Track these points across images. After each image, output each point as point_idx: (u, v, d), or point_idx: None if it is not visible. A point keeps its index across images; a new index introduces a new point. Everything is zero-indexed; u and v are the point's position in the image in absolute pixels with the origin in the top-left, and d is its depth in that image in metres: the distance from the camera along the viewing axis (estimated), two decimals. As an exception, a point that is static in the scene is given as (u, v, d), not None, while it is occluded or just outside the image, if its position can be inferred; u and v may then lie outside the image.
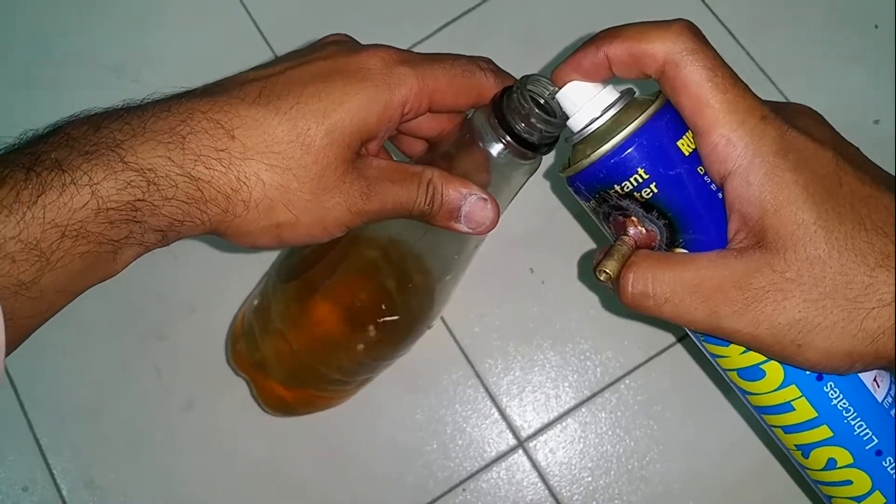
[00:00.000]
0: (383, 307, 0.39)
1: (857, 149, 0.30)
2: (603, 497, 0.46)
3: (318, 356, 0.41)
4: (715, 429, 0.47)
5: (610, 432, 0.47)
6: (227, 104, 0.28)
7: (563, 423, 0.48)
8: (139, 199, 0.27)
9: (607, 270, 0.29)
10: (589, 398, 0.48)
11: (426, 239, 0.37)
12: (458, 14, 0.54)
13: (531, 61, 0.52)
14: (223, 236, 0.30)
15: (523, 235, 0.50)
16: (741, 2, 0.53)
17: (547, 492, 0.47)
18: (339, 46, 0.32)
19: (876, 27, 0.52)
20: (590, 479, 0.47)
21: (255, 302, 0.44)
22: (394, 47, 0.31)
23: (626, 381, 0.48)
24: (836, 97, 0.50)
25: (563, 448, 0.47)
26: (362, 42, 0.33)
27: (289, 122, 0.28)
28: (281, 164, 0.28)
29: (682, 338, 0.48)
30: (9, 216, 0.25)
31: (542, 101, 0.33)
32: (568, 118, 0.31)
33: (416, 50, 0.54)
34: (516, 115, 0.32)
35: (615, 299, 0.31)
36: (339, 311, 0.39)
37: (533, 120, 0.32)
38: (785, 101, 0.30)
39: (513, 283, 0.50)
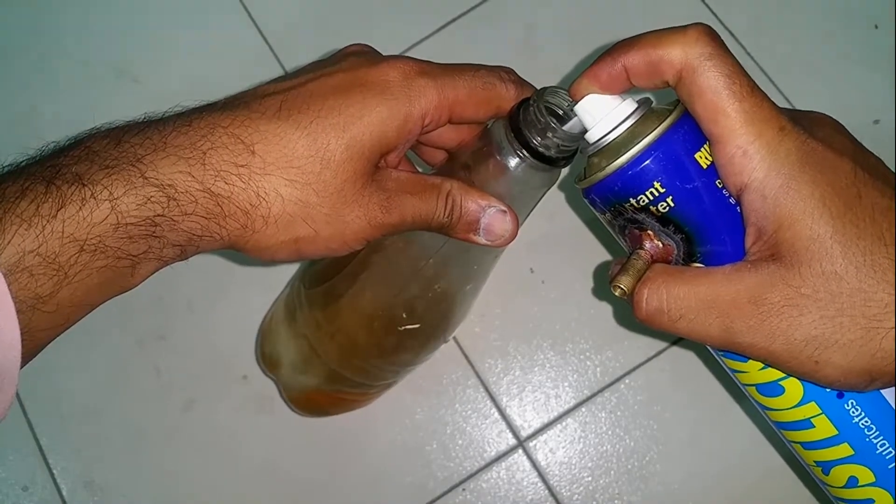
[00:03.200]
0: (404, 316, 0.39)
1: (879, 159, 0.29)
2: (603, 497, 0.46)
3: (341, 362, 0.41)
4: (715, 428, 0.47)
5: (610, 432, 0.47)
6: (247, 119, 0.28)
7: (563, 423, 0.48)
8: (159, 215, 0.27)
9: (622, 286, 0.29)
10: (589, 398, 0.48)
11: (446, 249, 0.37)
12: (458, 14, 0.54)
13: (531, 61, 0.52)
14: (242, 251, 0.29)
15: (523, 235, 0.50)
16: (742, 2, 0.53)
17: (547, 492, 0.47)
18: (359, 58, 0.31)
19: (876, 27, 0.52)
20: (590, 478, 0.47)
21: (282, 306, 0.44)
22: (413, 58, 0.31)
23: (626, 381, 0.48)
24: (836, 97, 0.50)
25: (563, 448, 0.47)
26: (381, 52, 0.33)
27: (308, 137, 0.28)
28: (300, 179, 0.28)
29: (683, 338, 0.48)
30: (28, 229, 0.25)
31: (560, 114, 0.33)
32: (585, 132, 0.31)
33: (416, 50, 0.54)
34: (533, 129, 0.32)
35: (628, 312, 0.30)
36: (361, 319, 0.40)
37: (549, 134, 0.31)
38: (801, 109, 0.30)
39: (513, 283, 0.50)
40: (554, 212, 0.50)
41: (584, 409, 0.48)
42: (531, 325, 0.49)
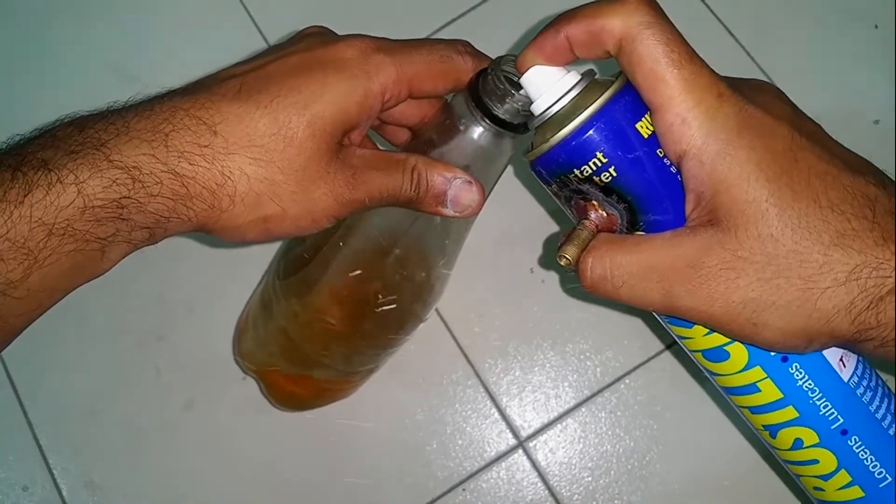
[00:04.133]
0: (380, 296, 0.39)
1: (819, 126, 0.29)
2: (603, 497, 0.46)
3: (321, 349, 0.42)
4: (715, 428, 0.47)
5: (610, 432, 0.47)
6: (208, 101, 0.29)
7: (563, 423, 0.48)
8: (125, 197, 0.27)
9: (567, 256, 0.29)
10: (589, 398, 0.48)
11: (416, 226, 0.38)
12: (458, 14, 0.54)
13: (531, 61, 0.52)
14: (211, 232, 0.30)
15: (523, 235, 0.50)
16: (741, 2, 0.53)
17: (547, 492, 0.47)
18: (317, 38, 0.32)
19: (876, 27, 0.52)
20: (590, 478, 0.47)
21: (257, 300, 0.44)
22: (370, 36, 0.32)
23: (626, 381, 0.48)
24: (836, 97, 0.50)
25: (563, 448, 0.47)
26: None
27: (270, 116, 0.29)
28: (264, 158, 0.29)
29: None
30: None
31: (517, 81, 0.33)
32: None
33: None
34: (493, 96, 0.32)
35: (574, 283, 0.31)
36: (337, 303, 0.40)
37: (508, 100, 0.32)
38: (741, 78, 0.30)
39: (513, 283, 0.50)
40: (554, 212, 0.50)
41: (584, 410, 0.48)
42: (531, 325, 0.49)
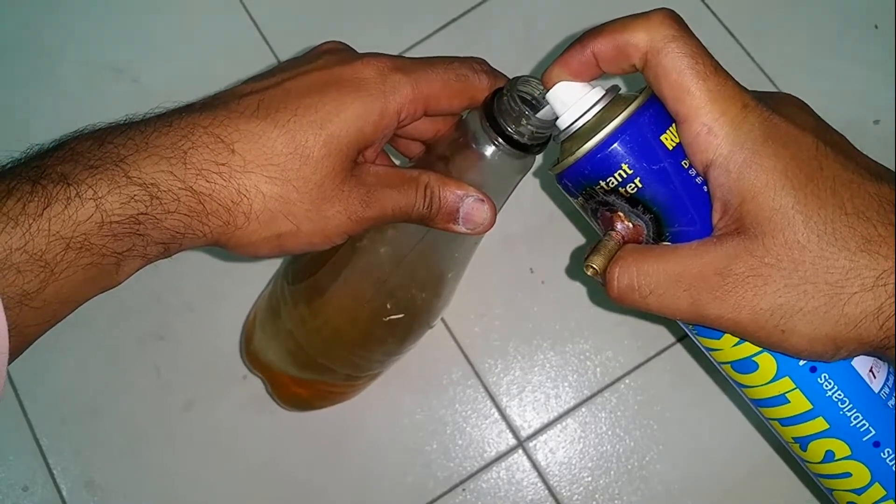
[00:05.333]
0: (389, 307, 0.39)
1: (843, 136, 0.29)
2: (603, 497, 0.46)
3: (328, 355, 0.42)
4: (715, 428, 0.47)
5: (610, 432, 0.47)
6: (226, 118, 0.29)
7: (563, 423, 0.48)
8: (142, 213, 0.27)
9: (594, 266, 0.30)
10: (589, 398, 0.48)
11: (427, 239, 0.38)
12: (458, 14, 0.54)
13: (530, 61, 0.52)
14: (225, 247, 0.30)
15: (523, 235, 0.50)
16: (741, 1, 0.53)
17: (547, 492, 0.47)
18: (335, 56, 0.32)
19: (876, 27, 0.52)
20: (590, 479, 0.47)
21: (265, 303, 0.45)
22: (388, 55, 0.32)
23: (626, 381, 0.48)
24: (836, 97, 0.50)
25: (563, 448, 0.47)
26: (360, 46, 0.33)
27: (287, 135, 0.29)
28: (280, 176, 0.29)
29: (682, 338, 0.48)
30: (15, 227, 0.25)
31: (532, 101, 0.33)
32: (557, 118, 0.31)
33: (415, 50, 0.54)
34: (507, 117, 0.32)
35: (603, 293, 0.31)
36: (346, 312, 0.40)
37: (523, 122, 0.32)
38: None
39: (513, 283, 0.50)
40: (554, 212, 0.50)
41: (584, 409, 0.48)
42: (531, 325, 0.49)
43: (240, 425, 0.49)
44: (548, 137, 0.34)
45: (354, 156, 0.31)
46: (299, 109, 0.29)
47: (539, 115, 0.32)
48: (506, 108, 0.32)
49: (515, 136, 0.33)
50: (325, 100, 0.30)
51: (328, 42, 0.34)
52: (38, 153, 0.28)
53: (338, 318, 0.40)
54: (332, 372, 0.43)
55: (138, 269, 0.29)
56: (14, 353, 0.27)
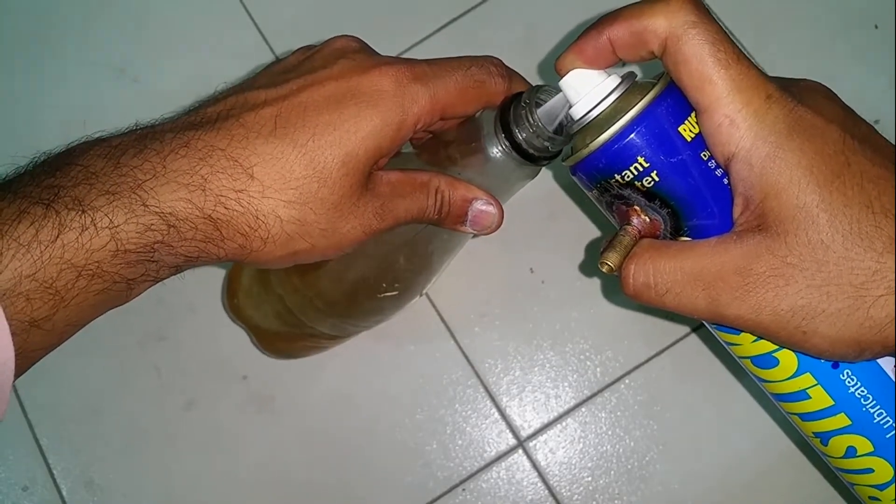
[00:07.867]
0: (384, 285, 0.40)
1: (872, 127, 0.28)
2: (603, 497, 0.46)
3: (318, 322, 0.42)
4: (715, 428, 0.47)
5: (610, 432, 0.47)
6: (244, 139, 0.28)
7: (563, 423, 0.48)
8: (158, 242, 0.27)
9: (609, 262, 0.29)
10: (589, 398, 0.48)
11: (429, 229, 0.38)
12: (458, 14, 0.54)
13: (530, 61, 0.52)
14: (239, 263, 0.30)
15: (523, 235, 0.50)
16: (741, 1, 0.53)
17: (547, 492, 0.47)
18: (350, 61, 0.31)
19: (876, 27, 0.52)
20: (590, 479, 0.47)
21: None
22: (404, 61, 0.31)
23: (626, 381, 0.48)
24: (836, 97, 0.50)
25: (563, 448, 0.47)
26: (381, 52, 0.33)
27: (306, 157, 0.28)
28: (298, 199, 0.29)
29: (682, 338, 0.48)
30: (26, 254, 0.25)
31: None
32: (569, 123, 0.31)
33: (415, 50, 0.54)
34: (522, 128, 0.32)
35: (616, 290, 0.30)
36: (341, 287, 0.40)
37: (538, 135, 0.32)
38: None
39: (513, 283, 0.50)
40: (554, 212, 0.50)
41: (584, 409, 0.48)
42: (531, 325, 0.49)
43: (240, 425, 0.49)
44: (559, 152, 0.33)
45: (371, 169, 0.30)
46: (318, 128, 0.29)
47: (551, 102, 0.31)
48: (523, 121, 0.32)
49: (530, 151, 0.32)
50: (343, 116, 0.29)
51: (341, 37, 0.33)
52: (47, 167, 0.27)
53: (332, 293, 0.40)
54: (319, 333, 0.44)
55: (148, 288, 0.29)
56: (17, 374, 0.26)
